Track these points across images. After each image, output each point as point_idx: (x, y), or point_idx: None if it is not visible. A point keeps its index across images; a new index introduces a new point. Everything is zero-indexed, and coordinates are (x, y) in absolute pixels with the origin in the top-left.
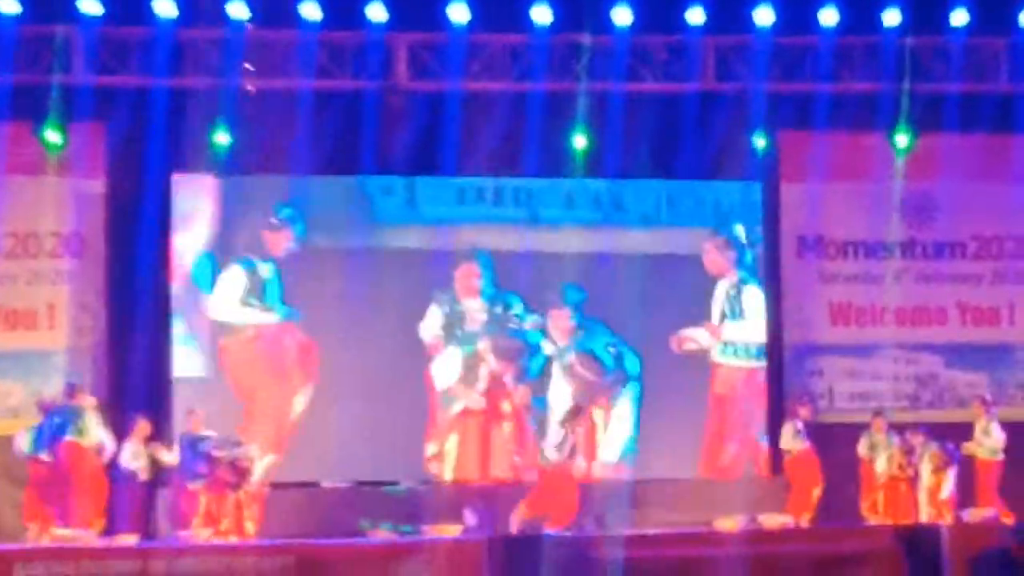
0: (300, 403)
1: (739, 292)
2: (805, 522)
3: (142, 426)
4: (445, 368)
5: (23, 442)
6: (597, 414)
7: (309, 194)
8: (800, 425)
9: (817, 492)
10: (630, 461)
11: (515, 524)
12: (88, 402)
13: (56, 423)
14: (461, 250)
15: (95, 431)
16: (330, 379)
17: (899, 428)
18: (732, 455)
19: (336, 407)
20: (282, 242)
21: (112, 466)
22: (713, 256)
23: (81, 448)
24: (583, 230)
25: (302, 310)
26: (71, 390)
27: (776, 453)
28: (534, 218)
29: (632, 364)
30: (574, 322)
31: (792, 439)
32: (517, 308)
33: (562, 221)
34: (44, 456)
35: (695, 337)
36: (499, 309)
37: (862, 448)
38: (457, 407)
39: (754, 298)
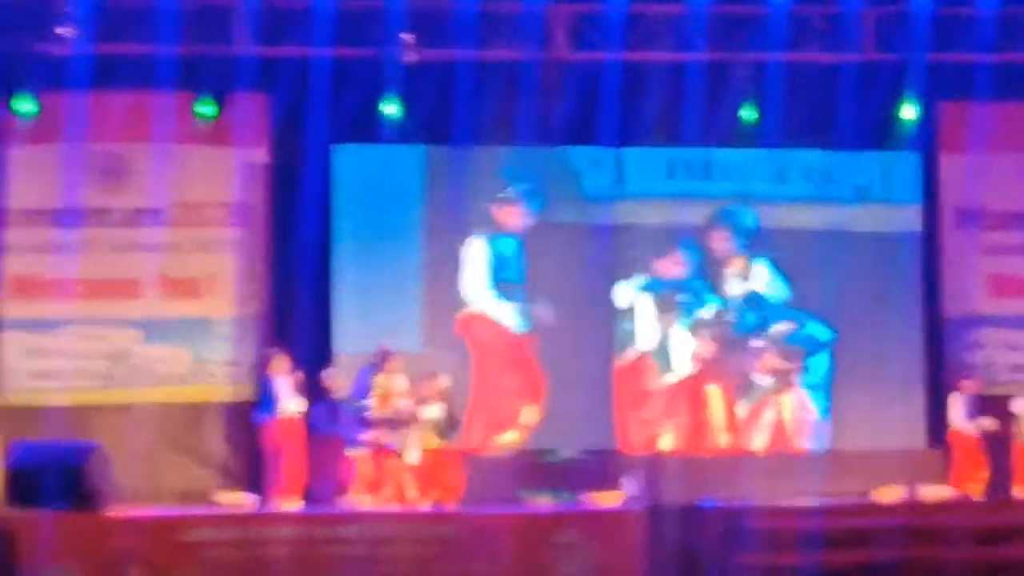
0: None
1: None
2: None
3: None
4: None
5: None
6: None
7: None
8: (967, 401)
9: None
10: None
11: None
12: (279, 367)
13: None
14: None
15: (286, 400)
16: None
17: None
18: None
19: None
20: (514, 217)
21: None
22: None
23: (272, 423)
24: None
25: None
26: (264, 359)
27: (936, 425)
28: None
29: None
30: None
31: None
32: None
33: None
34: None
35: None
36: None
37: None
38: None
39: None
